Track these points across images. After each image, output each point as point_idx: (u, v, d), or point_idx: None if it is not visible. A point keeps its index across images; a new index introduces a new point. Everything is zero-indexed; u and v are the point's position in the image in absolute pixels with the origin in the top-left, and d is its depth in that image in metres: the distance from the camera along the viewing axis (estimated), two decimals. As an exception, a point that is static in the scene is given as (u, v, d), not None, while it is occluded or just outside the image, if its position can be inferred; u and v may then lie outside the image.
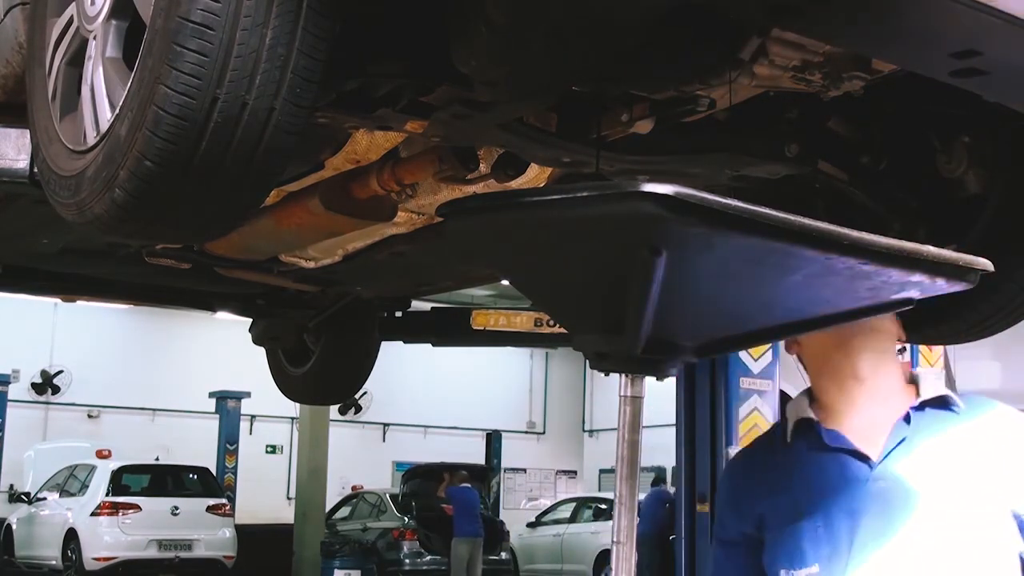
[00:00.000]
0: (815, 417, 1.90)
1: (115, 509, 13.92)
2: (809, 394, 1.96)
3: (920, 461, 1.82)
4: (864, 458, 1.84)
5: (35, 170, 2.12)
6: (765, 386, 7.34)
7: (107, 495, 14.07)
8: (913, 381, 1.94)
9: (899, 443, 1.84)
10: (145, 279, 3.96)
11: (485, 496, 16.40)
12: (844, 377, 1.89)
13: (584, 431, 24.39)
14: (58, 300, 5.11)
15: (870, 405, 1.88)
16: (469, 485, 14.92)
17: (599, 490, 20.45)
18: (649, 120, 2.05)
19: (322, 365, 4.56)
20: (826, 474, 1.85)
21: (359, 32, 1.79)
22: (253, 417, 19.43)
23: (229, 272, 3.57)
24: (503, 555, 15.79)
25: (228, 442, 17.54)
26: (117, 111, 1.67)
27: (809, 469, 1.87)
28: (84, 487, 14.55)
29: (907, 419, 1.85)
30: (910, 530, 1.77)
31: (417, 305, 4.51)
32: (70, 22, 1.92)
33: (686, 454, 7.38)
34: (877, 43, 1.75)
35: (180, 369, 19.52)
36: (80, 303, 4.96)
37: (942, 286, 1.67)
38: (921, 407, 1.87)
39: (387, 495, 16.67)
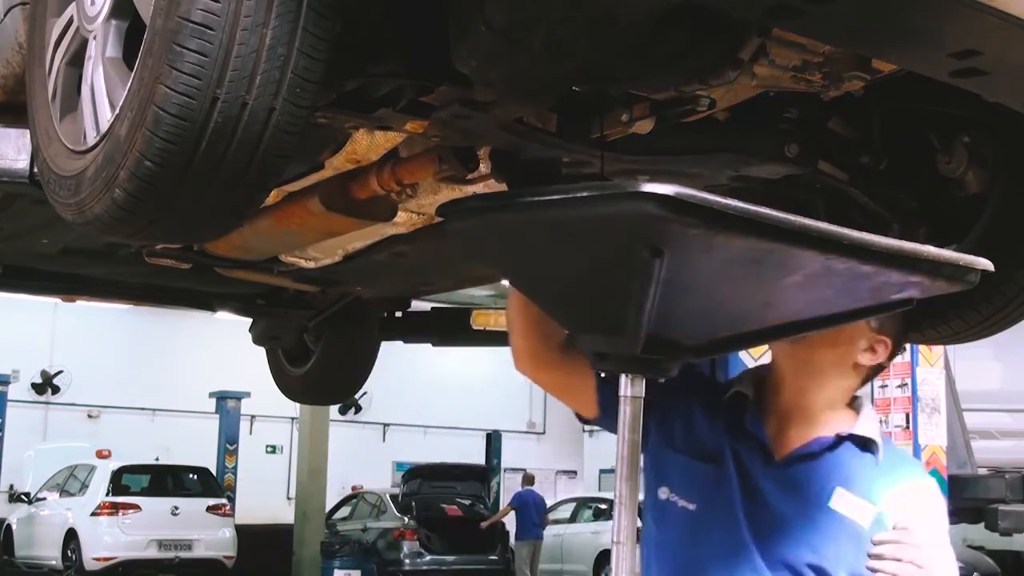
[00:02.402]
0: (750, 395, 2.00)
1: (115, 509, 13.93)
2: (757, 371, 2.06)
3: (812, 481, 1.91)
4: (769, 456, 1.94)
5: (35, 170, 2.12)
6: (765, 386, 7.34)
7: (107, 495, 14.08)
8: (854, 408, 1.99)
9: (806, 455, 1.93)
10: (145, 279, 3.96)
11: (485, 496, 16.43)
12: (792, 374, 1.97)
13: (584, 431, 24.38)
14: (58, 300, 5.10)
15: (800, 410, 1.96)
16: (533, 488, 15.23)
17: (599, 490, 20.45)
18: (649, 120, 2.05)
19: (322, 365, 4.56)
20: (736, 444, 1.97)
21: (359, 32, 1.79)
22: (253, 417, 19.44)
23: (229, 272, 3.57)
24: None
25: (228, 442, 17.54)
26: (117, 111, 1.67)
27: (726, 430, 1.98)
28: (84, 487, 14.56)
29: (828, 442, 1.93)
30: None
31: (417, 305, 4.50)
32: (70, 22, 1.92)
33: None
34: (877, 43, 1.75)
35: (180, 369, 19.53)
36: (80, 303, 4.96)
37: (942, 286, 1.67)
38: (848, 438, 1.93)
39: (387, 495, 16.67)
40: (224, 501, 15.03)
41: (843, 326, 1.86)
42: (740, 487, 1.93)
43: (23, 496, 16.12)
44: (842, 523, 1.87)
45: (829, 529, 1.87)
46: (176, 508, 14.31)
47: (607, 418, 2.00)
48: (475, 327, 4.35)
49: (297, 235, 2.98)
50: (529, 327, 2.06)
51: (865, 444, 1.93)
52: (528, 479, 15.70)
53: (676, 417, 2.04)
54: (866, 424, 1.96)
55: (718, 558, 1.90)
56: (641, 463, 1.92)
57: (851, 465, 1.92)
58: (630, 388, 1.70)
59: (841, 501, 1.89)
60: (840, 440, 1.93)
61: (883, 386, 7.45)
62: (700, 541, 1.93)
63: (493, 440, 20.19)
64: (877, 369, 2.00)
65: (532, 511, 14.85)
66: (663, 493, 1.99)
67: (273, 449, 20.64)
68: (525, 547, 14.58)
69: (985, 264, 1.66)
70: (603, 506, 16.58)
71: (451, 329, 4.46)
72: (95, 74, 1.80)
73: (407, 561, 15.14)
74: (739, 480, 1.93)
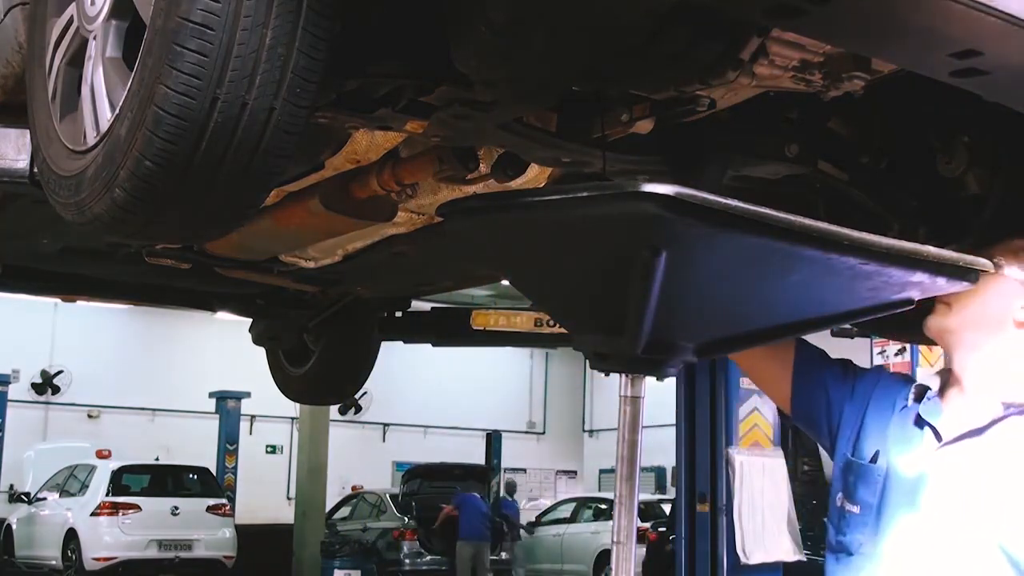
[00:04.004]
0: (932, 388, 2.02)
1: (115, 509, 13.92)
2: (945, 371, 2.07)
3: (983, 458, 1.92)
4: (937, 434, 1.96)
5: (35, 170, 2.11)
6: (765, 386, 7.33)
7: (107, 495, 14.07)
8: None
9: (972, 431, 1.94)
10: (145, 279, 3.96)
11: (486, 496, 16.46)
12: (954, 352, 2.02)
13: (584, 431, 24.39)
14: (58, 300, 5.11)
15: (966, 386, 1.99)
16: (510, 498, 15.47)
17: (599, 490, 20.46)
18: (649, 120, 2.05)
19: (322, 365, 4.55)
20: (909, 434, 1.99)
21: (359, 32, 1.79)
22: (253, 417, 19.44)
23: (229, 272, 3.57)
24: (503, 555, 15.86)
25: (228, 442, 17.54)
26: (117, 111, 1.67)
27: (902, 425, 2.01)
28: (84, 487, 14.55)
29: (997, 416, 1.93)
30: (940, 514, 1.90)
31: (417, 305, 4.50)
32: (70, 22, 1.92)
33: (686, 454, 7.38)
34: (877, 43, 1.74)
35: (180, 369, 19.53)
36: (80, 303, 4.96)
37: (942, 286, 1.68)
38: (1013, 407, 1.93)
39: (387, 495, 16.68)
40: (224, 501, 15.02)
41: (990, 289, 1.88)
42: (904, 481, 1.95)
43: (23, 496, 16.11)
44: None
45: (1006, 505, 1.87)
46: (176, 508, 14.30)
47: (796, 414, 2.10)
48: (475, 327, 4.35)
49: (297, 235, 2.98)
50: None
51: None
52: (509, 488, 16.03)
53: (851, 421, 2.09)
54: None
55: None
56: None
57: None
58: (630, 388, 1.70)
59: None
60: (1008, 410, 1.92)
61: (883, 386, 7.45)
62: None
63: (493, 440, 20.19)
64: None
65: (475, 513, 14.94)
66: (839, 500, 2.04)
67: (273, 449, 20.63)
68: (467, 547, 14.64)
69: (985, 264, 1.67)
70: (603, 506, 16.59)
71: (451, 329, 4.46)
72: (95, 74, 1.80)
73: (407, 561, 15.16)
74: (903, 474, 1.95)
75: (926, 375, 2.11)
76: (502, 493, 17.15)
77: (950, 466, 1.93)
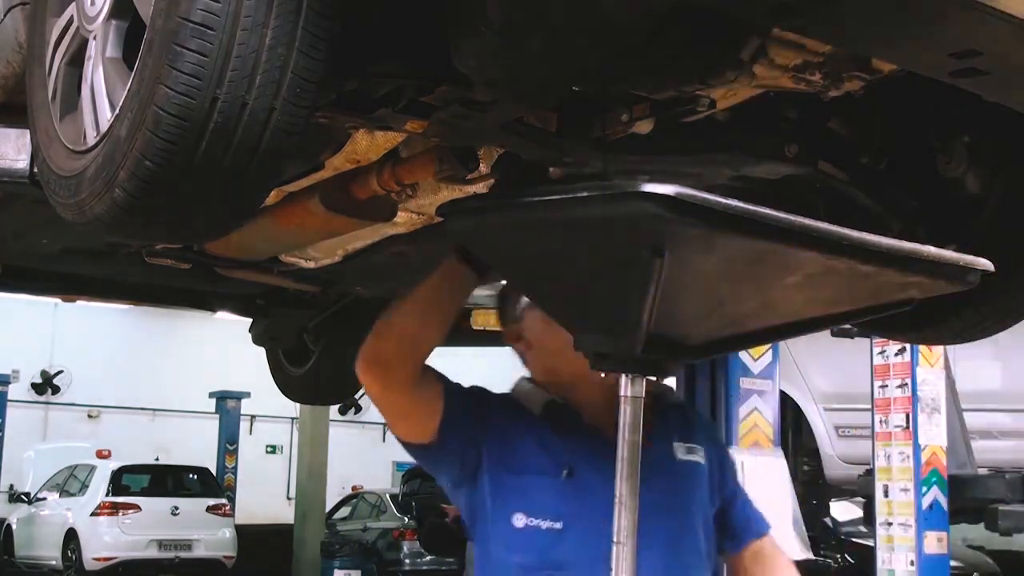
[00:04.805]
0: (561, 401, 2.06)
1: (115, 509, 13.93)
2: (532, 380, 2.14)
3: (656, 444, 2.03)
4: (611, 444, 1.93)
5: (35, 170, 2.12)
6: (765, 386, 7.33)
7: (107, 495, 14.07)
8: None
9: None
10: (145, 279, 3.96)
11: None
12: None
13: (584, 431, 24.37)
14: (58, 300, 5.10)
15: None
16: None
17: (599, 490, 20.42)
18: (649, 120, 2.05)
19: (322, 365, 4.55)
20: (580, 443, 2.01)
21: (359, 32, 1.79)
22: (253, 417, 19.42)
23: (229, 272, 3.57)
24: None
25: (228, 442, 17.53)
26: (117, 111, 1.67)
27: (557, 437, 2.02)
28: (84, 487, 14.55)
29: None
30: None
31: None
32: (70, 22, 1.92)
33: (686, 454, 7.36)
34: (877, 43, 1.75)
35: (180, 369, 19.52)
36: (80, 303, 4.96)
37: (942, 286, 1.68)
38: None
39: (387, 495, 16.67)
40: (224, 501, 15.02)
41: None
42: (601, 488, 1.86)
43: (23, 496, 16.11)
44: (691, 468, 2.06)
45: (686, 479, 2.05)
46: (176, 508, 14.31)
47: (441, 443, 2.00)
48: (475, 327, 4.36)
49: (297, 235, 2.98)
50: (421, 339, 2.00)
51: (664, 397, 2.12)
52: None
53: (499, 442, 2.03)
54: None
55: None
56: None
57: (670, 418, 2.11)
58: (630, 388, 1.70)
59: (682, 450, 2.07)
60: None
61: (883, 386, 7.44)
62: (579, 555, 1.92)
63: (493, 440, 20.17)
64: None
65: None
66: (519, 520, 1.96)
67: (273, 449, 20.62)
68: None
69: (985, 264, 1.67)
70: (603, 506, 16.56)
71: (451, 329, 4.46)
72: (95, 74, 1.80)
73: (407, 561, 15.13)
74: (598, 481, 1.89)
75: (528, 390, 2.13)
76: None
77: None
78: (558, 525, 1.95)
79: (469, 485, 2.03)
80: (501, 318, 2.23)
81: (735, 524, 2.15)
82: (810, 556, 7.28)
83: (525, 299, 2.10)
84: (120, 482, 14.42)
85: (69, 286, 4.19)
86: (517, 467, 2.00)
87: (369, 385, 1.99)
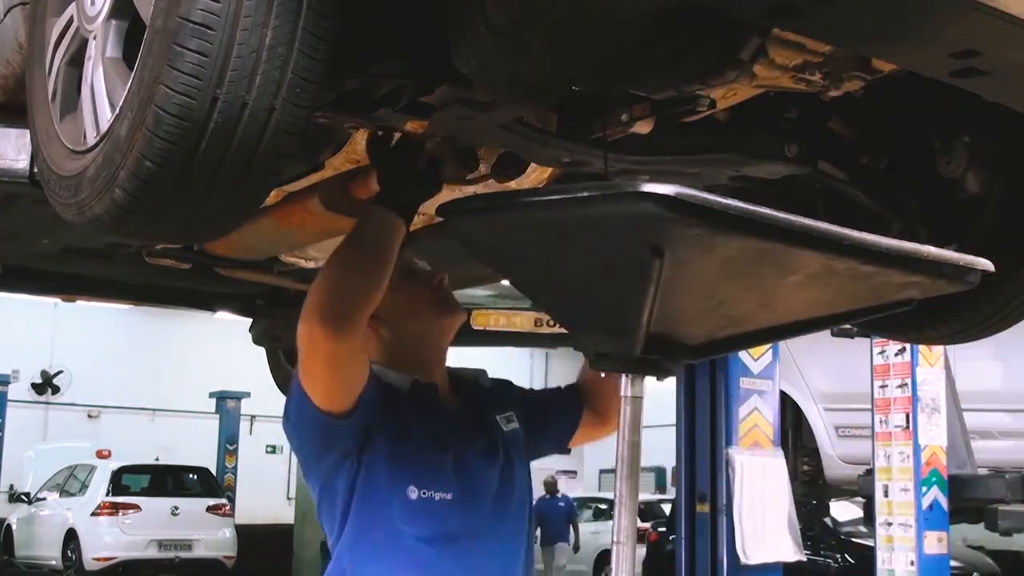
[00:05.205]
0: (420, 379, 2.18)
1: (115, 509, 13.93)
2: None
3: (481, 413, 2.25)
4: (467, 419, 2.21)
5: (35, 170, 2.11)
6: (765, 386, 7.34)
7: (107, 495, 14.08)
8: None
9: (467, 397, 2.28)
10: (145, 279, 3.96)
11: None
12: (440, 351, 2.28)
13: (584, 431, 24.35)
14: (58, 300, 5.10)
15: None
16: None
17: (599, 490, 20.43)
18: (649, 120, 2.05)
19: (322, 365, 4.54)
20: (444, 417, 2.18)
21: (359, 32, 1.79)
22: (253, 417, 19.41)
23: (229, 272, 3.57)
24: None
25: (228, 442, 17.53)
26: (117, 111, 1.67)
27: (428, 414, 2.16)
28: (84, 487, 14.55)
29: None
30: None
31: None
32: (70, 22, 1.92)
33: (686, 454, 7.38)
34: (877, 43, 1.75)
35: (180, 369, 19.52)
36: (80, 303, 4.95)
37: (942, 286, 1.68)
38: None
39: (387, 495, 16.62)
40: (224, 501, 15.02)
41: None
42: (474, 458, 2.14)
43: (23, 496, 16.12)
44: (514, 435, 2.23)
45: (513, 446, 2.21)
46: (176, 508, 14.31)
47: (353, 415, 2.04)
48: (475, 327, 4.35)
49: (297, 235, 2.97)
50: (375, 292, 2.02)
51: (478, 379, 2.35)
52: (548, 486, 15.59)
53: (390, 417, 2.09)
54: None
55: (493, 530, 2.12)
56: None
57: (487, 396, 2.31)
58: (630, 388, 1.70)
59: (503, 421, 2.24)
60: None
61: (883, 386, 7.45)
62: (477, 525, 2.10)
63: (493, 440, 20.14)
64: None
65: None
66: (413, 492, 2.05)
67: (273, 449, 20.60)
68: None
69: (985, 264, 1.67)
70: (603, 506, 16.58)
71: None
72: (95, 74, 1.80)
73: (407, 561, 15.10)
74: (469, 451, 2.14)
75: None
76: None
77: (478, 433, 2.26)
78: (449, 496, 2.07)
79: (355, 460, 2.07)
80: None
81: (559, 409, 2.42)
82: (802, 558, 7.28)
83: (393, 281, 2.14)
84: (120, 482, 14.43)
85: (69, 286, 4.18)
86: (407, 441, 2.08)
87: (321, 342, 1.96)
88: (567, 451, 2.50)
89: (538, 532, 15.60)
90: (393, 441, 2.06)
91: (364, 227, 2.07)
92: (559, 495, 15.57)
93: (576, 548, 15.36)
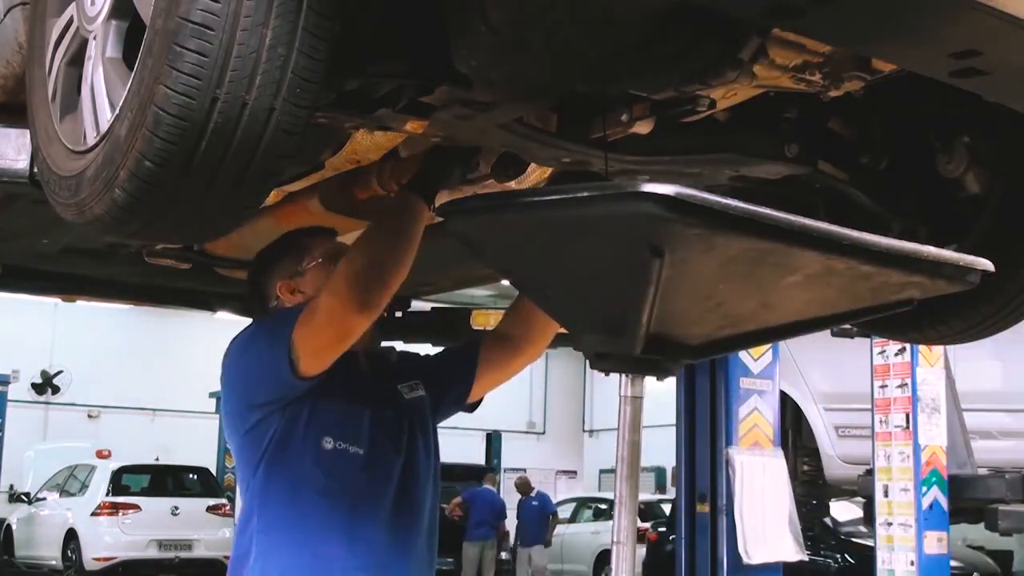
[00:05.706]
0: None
1: (115, 509, 13.92)
2: None
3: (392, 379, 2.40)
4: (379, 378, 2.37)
5: (35, 170, 2.11)
6: (765, 386, 7.35)
7: (107, 495, 14.07)
8: None
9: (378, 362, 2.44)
10: (145, 279, 3.96)
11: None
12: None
13: (584, 431, 24.38)
14: (58, 300, 5.10)
15: None
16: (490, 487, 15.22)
17: (599, 490, 20.44)
18: (649, 120, 2.05)
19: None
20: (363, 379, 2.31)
21: (359, 32, 1.79)
22: (253, 417, 19.41)
23: (229, 272, 3.57)
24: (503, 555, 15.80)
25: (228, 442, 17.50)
26: (117, 111, 1.67)
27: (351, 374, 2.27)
28: (84, 487, 14.55)
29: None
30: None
31: (417, 305, 4.50)
32: (70, 22, 1.92)
33: (686, 454, 7.38)
34: (877, 43, 1.75)
35: (180, 369, 19.51)
36: (80, 303, 4.95)
37: (942, 286, 1.68)
38: None
39: (387, 495, 16.61)
40: (224, 501, 15.00)
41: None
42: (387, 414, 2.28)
43: (23, 496, 16.11)
44: (418, 402, 2.35)
45: (417, 412, 2.34)
46: (176, 508, 14.30)
47: (315, 379, 2.14)
48: (475, 327, 4.35)
49: (297, 235, 2.97)
50: (402, 278, 2.15)
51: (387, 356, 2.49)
52: (521, 488, 15.64)
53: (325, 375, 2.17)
54: None
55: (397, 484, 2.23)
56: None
57: (393, 369, 2.43)
58: (630, 388, 1.71)
59: (406, 389, 2.36)
60: None
61: (883, 386, 7.44)
62: (384, 484, 2.22)
63: (493, 440, 20.18)
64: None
65: (485, 511, 14.69)
66: (328, 443, 2.18)
67: (273, 449, 20.62)
68: (472, 548, 14.56)
69: (985, 264, 1.67)
70: (603, 506, 16.58)
71: (451, 329, 4.46)
72: (95, 74, 1.80)
73: (407, 561, 15.09)
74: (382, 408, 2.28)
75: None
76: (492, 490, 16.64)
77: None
78: (360, 451, 2.20)
79: (290, 410, 2.19)
80: (276, 269, 2.36)
81: (451, 369, 2.49)
82: (804, 557, 7.28)
83: (314, 256, 2.30)
84: (120, 482, 14.42)
85: (69, 286, 4.19)
86: (331, 396, 2.19)
87: (349, 316, 2.09)
88: (471, 409, 2.55)
89: (514, 534, 15.65)
90: (318, 395, 2.17)
91: (400, 213, 2.19)
92: (533, 494, 15.51)
93: (547, 543, 15.31)
